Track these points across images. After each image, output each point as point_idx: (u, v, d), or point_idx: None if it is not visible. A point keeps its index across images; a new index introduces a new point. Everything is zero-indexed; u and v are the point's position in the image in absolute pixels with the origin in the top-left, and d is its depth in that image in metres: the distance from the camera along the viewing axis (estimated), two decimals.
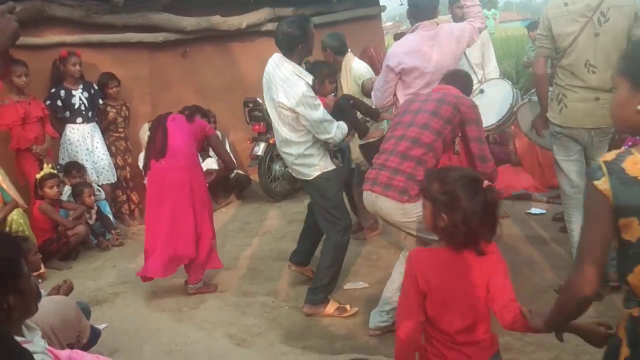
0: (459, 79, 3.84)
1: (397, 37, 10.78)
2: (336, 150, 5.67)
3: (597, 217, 1.71)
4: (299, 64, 4.02)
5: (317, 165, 4.04)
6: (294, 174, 4.27)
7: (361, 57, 6.03)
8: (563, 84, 3.94)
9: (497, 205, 2.11)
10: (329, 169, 4.09)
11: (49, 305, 2.88)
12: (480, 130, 3.60)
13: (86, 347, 3.06)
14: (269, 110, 4.18)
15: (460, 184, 2.09)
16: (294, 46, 3.96)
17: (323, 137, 3.95)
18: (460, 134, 3.63)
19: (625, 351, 1.77)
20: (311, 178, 4.07)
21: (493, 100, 5.31)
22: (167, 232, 4.55)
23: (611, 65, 3.84)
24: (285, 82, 3.91)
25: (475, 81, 5.70)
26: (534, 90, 4.87)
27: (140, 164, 6.81)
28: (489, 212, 2.09)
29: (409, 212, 3.32)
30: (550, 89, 4.14)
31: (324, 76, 4.44)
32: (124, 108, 6.68)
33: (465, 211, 2.05)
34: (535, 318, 2.08)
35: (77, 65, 6.14)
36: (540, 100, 4.22)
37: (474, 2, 4.56)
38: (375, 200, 3.42)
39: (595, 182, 1.69)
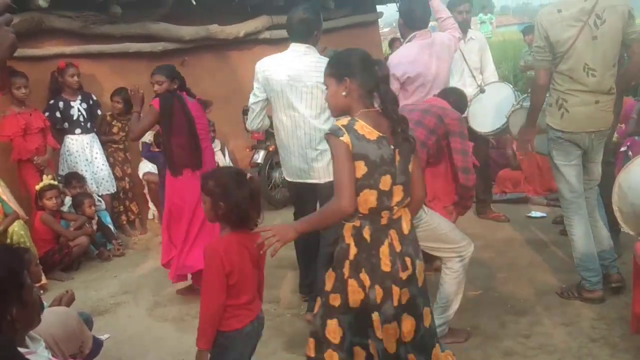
0: (451, 95, 3.88)
1: (393, 42, 10.84)
2: None
3: (345, 159, 2.45)
4: None
5: None
6: (318, 178, 4.00)
7: None
8: (562, 89, 3.91)
9: (259, 193, 2.77)
10: None
11: (51, 317, 2.88)
12: (464, 143, 3.62)
13: (89, 358, 3.06)
14: (292, 109, 3.90)
15: (229, 178, 2.65)
16: (311, 32, 3.88)
17: None
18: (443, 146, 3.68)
19: (353, 250, 2.57)
20: None
21: (496, 104, 5.32)
22: (192, 240, 4.62)
23: (609, 67, 3.84)
24: (321, 64, 3.69)
25: (474, 86, 5.73)
26: (526, 95, 4.86)
27: (141, 173, 6.82)
28: (254, 198, 2.68)
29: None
30: (547, 94, 4.11)
31: None
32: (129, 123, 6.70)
33: (236, 198, 2.59)
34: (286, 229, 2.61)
35: (75, 77, 6.15)
36: (532, 110, 4.17)
37: (447, 15, 4.64)
38: None
39: (341, 138, 2.44)
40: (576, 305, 4.01)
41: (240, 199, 2.59)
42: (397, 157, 2.54)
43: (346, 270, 2.59)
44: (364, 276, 2.55)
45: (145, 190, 6.99)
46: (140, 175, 6.87)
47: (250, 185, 2.66)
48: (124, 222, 6.73)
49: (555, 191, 5.25)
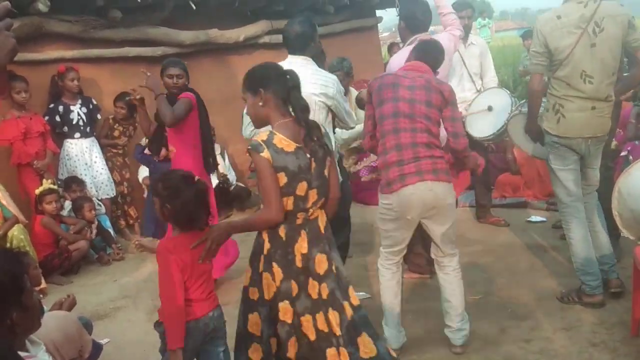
0: (430, 54, 3.74)
1: (391, 47, 10.85)
2: None
3: (268, 173, 2.67)
4: None
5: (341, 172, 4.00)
6: None
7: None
8: (559, 95, 3.91)
9: (207, 193, 2.85)
10: (341, 178, 4.02)
11: (51, 321, 2.88)
12: (455, 111, 3.61)
13: None
14: None
15: (176, 180, 2.75)
16: (307, 44, 3.93)
17: (349, 121, 3.94)
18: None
19: (267, 246, 2.81)
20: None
21: (493, 110, 5.33)
22: None
23: (607, 75, 3.84)
24: (317, 75, 3.85)
25: (473, 90, 5.74)
26: (524, 101, 4.87)
27: (140, 177, 6.83)
28: (201, 199, 2.77)
29: (453, 191, 3.55)
30: (544, 99, 4.12)
31: (350, 68, 4.49)
32: (130, 128, 6.69)
33: (182, 199, 2.69)
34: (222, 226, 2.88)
35: (75, 81, 6.16)
36: (529, 116, 4.20)
37: (449, 10, 4.61)
38: (432, 187, 3.40)
39: (262, 154, 2.66)
40: (576, 310, 4.00)
41: (186, 200, 2.70)
42: (313, 165, 2.79)
43: (261, 265, 2.84)
44: (276, 269, 2.80)
45: (145, 195, 6.98)
46: (140, 180, 6.87)
47: (197, 187, 2.77)
48: (123, 226, 6.72)
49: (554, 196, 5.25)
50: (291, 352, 2.82)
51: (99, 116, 6.47)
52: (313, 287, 2.81)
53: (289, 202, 2.75)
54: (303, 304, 2.81)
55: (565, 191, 4.05)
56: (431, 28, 4.66)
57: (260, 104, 2.80)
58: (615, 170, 4.89)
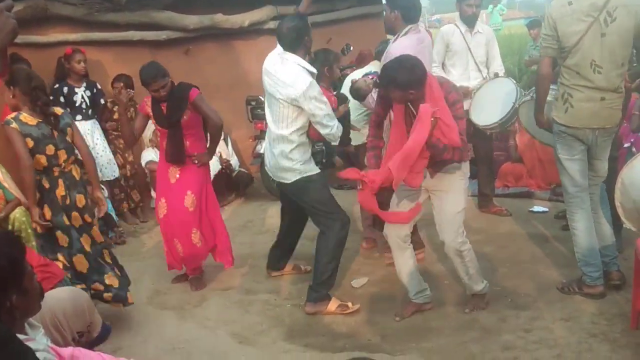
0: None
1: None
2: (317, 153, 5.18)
3: (18, 138, 3.82)
4: (304, 58, 4.02)
5: (297, 170, 4.08)
6: (275, 176, 4.27)
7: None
8: (568, 84, 3.88)
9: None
10: (311, 172, 4.12)
11: (62, 292, 2.99)
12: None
13: (96, 343, 3.08)
14: (266, 107, 4.20)
15: None
16: (301, 39, 3.97)
17: (325, 131, 3.96)
18: None
19: (38, 195, 3.95)
20: (290, 182, 4.12)
21: (497, 98, 5.31)
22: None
23: (616, 65, 3.80)
24: (290, 75, 3.91)
25: (479, 79, 5.70)
26: (535, 88, 4.84)
27: (143, 162, 6.82)
28: None
29: None
30: (555, 87, 4.09)
31: (332, 61, 4.69)
32: (131, 109, 6.67)
33: None
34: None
35: (81, 63, 6.13)
36: (537, 100, 4.16)
37: None
38: None
39: (11, 125, 3.79)
40: (577, 300, 4.00)
41: None
42: (56, 133, 3.95)
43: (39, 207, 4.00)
44: (46, 209, 3.97)
45: (148, 179, 6.98)
46: (143, 164, 6.85)
47: None
48: (125, 210, 6.72)
49: (559, 184, 5.23)
50: (79, 265, 3.99)
51: (102, 101, 6.44)
52: (76, 219, 4.02)
53: (42, 160, 3.93)
54: (73, 231, 3.98)
55: (571, 181, 4.02)
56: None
57: (11, 96, 3.88)
58: (619, 161, 4.87)
